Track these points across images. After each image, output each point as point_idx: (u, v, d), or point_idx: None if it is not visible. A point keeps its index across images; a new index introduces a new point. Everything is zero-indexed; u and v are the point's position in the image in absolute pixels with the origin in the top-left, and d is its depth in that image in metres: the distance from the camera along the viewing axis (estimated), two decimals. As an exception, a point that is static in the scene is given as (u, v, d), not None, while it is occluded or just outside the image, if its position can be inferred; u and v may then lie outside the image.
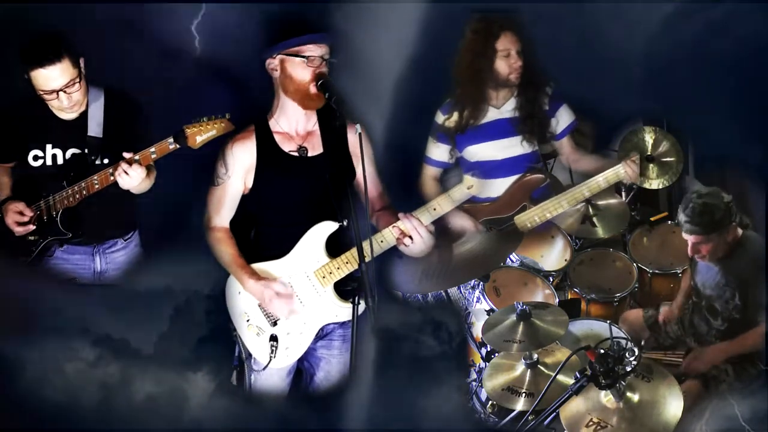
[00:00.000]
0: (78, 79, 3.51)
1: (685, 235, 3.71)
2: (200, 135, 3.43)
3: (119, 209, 3.76)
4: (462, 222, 4.02)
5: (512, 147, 4.12)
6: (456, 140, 4.13)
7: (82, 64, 3.53)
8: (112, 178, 3.49)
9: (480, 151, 4.13)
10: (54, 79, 3.45)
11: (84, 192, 3.58)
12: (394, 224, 3.32)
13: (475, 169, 4.11)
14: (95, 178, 3.55)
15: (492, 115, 4.11)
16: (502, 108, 4.11)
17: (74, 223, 3.69)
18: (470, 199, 4.07)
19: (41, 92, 3.48)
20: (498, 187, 4.16)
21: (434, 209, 3.33)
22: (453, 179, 4.09)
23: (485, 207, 4.15)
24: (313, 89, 3.33)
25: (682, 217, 3.67)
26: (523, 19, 3.95)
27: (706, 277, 3.83)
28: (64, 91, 3.48)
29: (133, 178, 3.44)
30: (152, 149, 3.46)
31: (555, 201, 4.02)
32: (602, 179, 3.99)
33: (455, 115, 4.10)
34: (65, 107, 3.55)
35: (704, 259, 3.74)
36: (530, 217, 4.05)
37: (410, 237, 3.29)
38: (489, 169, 4.11)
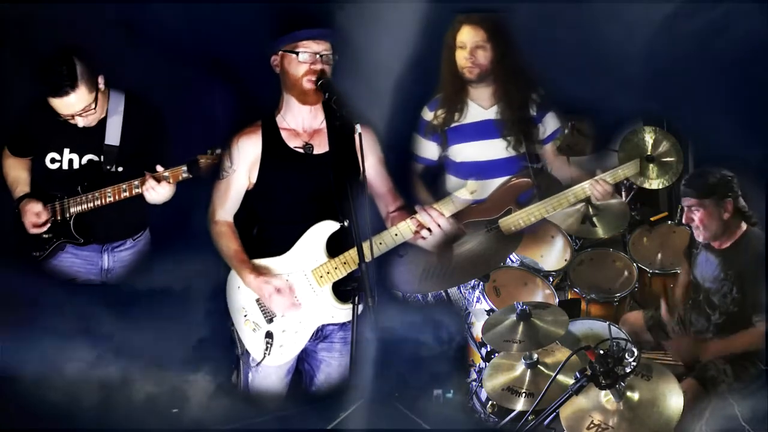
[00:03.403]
0: (94, 105, 3.53)
1: (682, 202, 3.78)
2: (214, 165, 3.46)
3: (131, 213, 3.79)
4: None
5: (498, 149, 4.08)
6: (444, 137, 4.09)
7: (101, 83, 3.55)
8: (137, 191, 3.53)
9: (466, 151, 4.10)
10: (70, 106, 3.48)
11: (98, 202, 3.63)
12: (413, 216, 3.33)
13: (461, 170, 4.09)
14: (108, 191, 3.60)
15: (478, 114, 4.08)
16: (490, 109, 4.08)
17: (87, 229, 3.74)
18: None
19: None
20: (484, 189, 4.13)
21: None
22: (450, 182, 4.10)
23: (471, 209, 4.12)
24: (306, 84, 3.33)
25: (682, 185, 3.75)
26: (513, 21, 3.90)
27: (705, 270, 3.83)
28: (81, 116, 3.52)
29: (160, 194, 3.49)
30: (166, 173, 3.49)
31: (540, 205, 3.95)
32: (571, 194, 3.90)
33: (441, 112, 4.07)
34: (82, 125, 3.58)
35: (698, 230, 3.74)
36: (515, 220, 4.00)
37: (428, 230, 3.31)
38: (475, 171, 4.06)
